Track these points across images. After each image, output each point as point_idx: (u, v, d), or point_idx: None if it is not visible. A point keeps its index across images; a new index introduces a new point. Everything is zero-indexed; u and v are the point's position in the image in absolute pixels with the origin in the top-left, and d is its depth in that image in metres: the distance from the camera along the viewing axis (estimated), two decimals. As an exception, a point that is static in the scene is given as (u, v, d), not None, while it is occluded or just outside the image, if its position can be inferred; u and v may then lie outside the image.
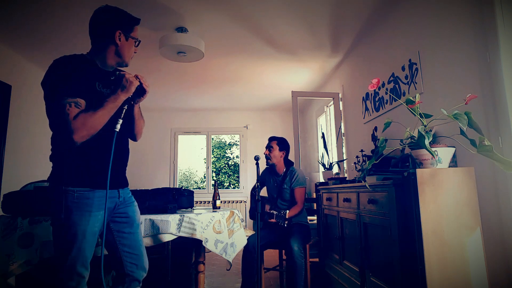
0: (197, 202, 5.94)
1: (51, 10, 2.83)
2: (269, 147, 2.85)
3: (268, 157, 2.84)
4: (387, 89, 2.90)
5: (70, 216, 1.31)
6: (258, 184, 1.99)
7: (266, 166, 2.97)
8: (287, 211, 2.35)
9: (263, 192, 2.92)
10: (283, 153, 2.85)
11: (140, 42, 1.53)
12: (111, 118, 1.35)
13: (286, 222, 2.29)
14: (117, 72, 1.40)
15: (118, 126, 1.36)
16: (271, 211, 2.45)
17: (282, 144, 2.86)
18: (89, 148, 1.36)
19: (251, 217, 2.78)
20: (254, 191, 2.85)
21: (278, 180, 2.86)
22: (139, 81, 1.40)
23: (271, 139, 2.90)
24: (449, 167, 1.64)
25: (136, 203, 1.59)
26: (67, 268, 1.30)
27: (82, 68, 1.38)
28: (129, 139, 1.62)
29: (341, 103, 4.18)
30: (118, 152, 1.42)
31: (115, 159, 1.38)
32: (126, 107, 1.40)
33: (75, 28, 3.13)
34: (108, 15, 1.46)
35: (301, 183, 2.75)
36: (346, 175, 3.91)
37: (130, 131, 1.58)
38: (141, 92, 1.44)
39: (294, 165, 2.93)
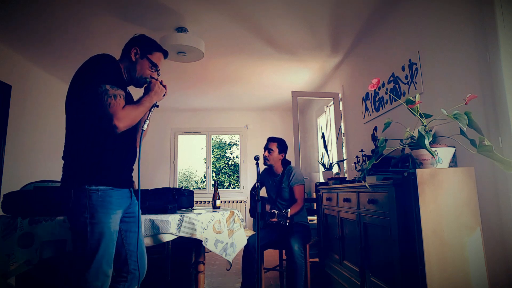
0: (197, 202, 5.94)
1: (51, 10, 2.83)
2: (268, 149, 2.81)
3: (266, 159, 2.81)
4: (387, 89, 2.90)
5: (95, 215, 1.32)
6: (258, 184, 1.99)
7: (264, 167, 2.95)
8: (289, 210, 2.34)
9: (262, 193, 2.91)
10: (282, 156, 2.83)
11: (159, 70, 1.58)
12: None
13: (288, 221, 2.29)
14: (147, 79, 1.53)
15: (146, 126, 1.48)
16: (273, 211, 2.45)
17: (282, 146, 2.83)
18: (112, 146, 1.40)
19: (251, 215, 2.78)
20: (254, 191, 2.84)
21: (276, 180, 2.86)
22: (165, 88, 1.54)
23: (271, 140, 2.85)
24: (449, 167, 1.64)
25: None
26: (93, 268, 1.31)
27: (120, 69, 1.49)
28: None
29: (341, 103, 4.18)
30: (133, 153, 1.53)
31: (131, 159, 1.47)
32: (153, 109, 1.51)
33: (75, 29, 3.13)
34: (136, 37, 1.58)
35: (299, 180, 2.74)
36: (346, 175, 3.91)
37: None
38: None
39: (291, 164, 2.91)
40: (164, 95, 1.54)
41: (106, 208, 1.35)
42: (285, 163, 2.87)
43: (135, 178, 1.62)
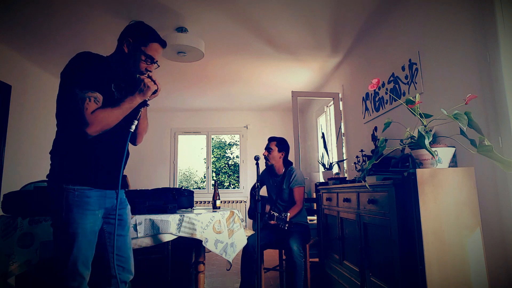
0: (197, 202, 5.94)
1: (51, 10, 2.83)
2: (268, 148, 2.83)
3: (267, 158, 2.83)
4: (387, 89, 2.90)
5: (71, 215, 1.30)
6: (258, 184, 1.99)
7: (265, 167, 2.96)
8: (288, 213, 2.34)
9: (263, 192, 2.91)
10: (282, 154, 2.84)
11: (154, 62, 1.46)
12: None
13: (287, 225, 2.29)
14: (137, 76, 1.42)
15: (133, 127, 1.39)
16: (272, 213, 2.45)
17: (282, 145, 2.84)
18: (94, 146, 1.36)
19: (250, 217, 2.78)
20: (254, 191, 2.84)
21: (277, 180, 2.86)
22: (156, 84, 1.42)
23: (271, 139, 2.87)
24: (449, 167, 1.64)
25: (129, 206, 1.59)
26: (69, 268, 1.30)
27: (102, 66, 1.40)
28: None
29: (341, 103, 4.18)
30: (121, 153, 1.43)
31: (118, 160, 1.39)
32: (142, 109, 1.42)
33: (75, 29, 3.13)
34: (131, 25, 1.48)
35: (299, 182, 2.74)
36: (346, 175, 3.91)
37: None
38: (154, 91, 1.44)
39: (293, 165, 2.92)
40: (154, 93, 1.41)
41: (82, 208, 1.31)
42: (287, 163, 2.87)
43: (130, 178, 1.59)
